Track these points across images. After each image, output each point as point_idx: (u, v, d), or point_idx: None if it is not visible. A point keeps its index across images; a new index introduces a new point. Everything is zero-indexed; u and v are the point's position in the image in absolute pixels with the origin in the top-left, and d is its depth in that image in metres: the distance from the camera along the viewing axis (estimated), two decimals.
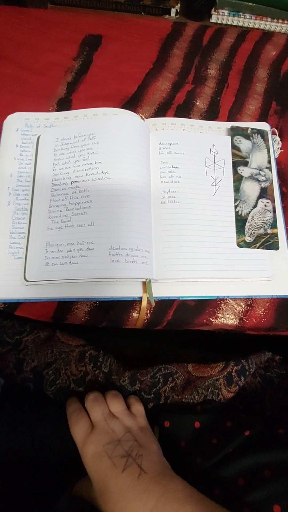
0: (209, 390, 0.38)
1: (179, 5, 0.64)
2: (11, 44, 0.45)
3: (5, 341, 0.39)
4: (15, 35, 0.46)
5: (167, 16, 0.65)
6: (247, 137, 0.40)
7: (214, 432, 0.33)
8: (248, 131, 0.40)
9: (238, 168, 0.38)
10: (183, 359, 0.41)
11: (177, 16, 0.66)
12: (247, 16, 0.64)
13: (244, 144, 0.39)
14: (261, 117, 0.43)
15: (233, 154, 0.39)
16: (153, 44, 0.47)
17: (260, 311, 0.34)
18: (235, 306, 0.34)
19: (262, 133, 0.40)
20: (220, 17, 0.66)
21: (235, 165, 0.38)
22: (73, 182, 0.33)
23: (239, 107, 0.43)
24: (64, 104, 0.41)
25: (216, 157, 0.38)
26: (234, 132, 0.40)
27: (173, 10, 0.63)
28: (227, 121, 0.42)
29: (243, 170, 0.38)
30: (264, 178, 0.38)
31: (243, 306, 0.34)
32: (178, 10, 0.64)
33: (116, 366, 0.39)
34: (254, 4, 0.60)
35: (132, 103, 0.42)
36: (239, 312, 0.34)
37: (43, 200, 0.34)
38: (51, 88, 0.42)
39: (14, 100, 0.41)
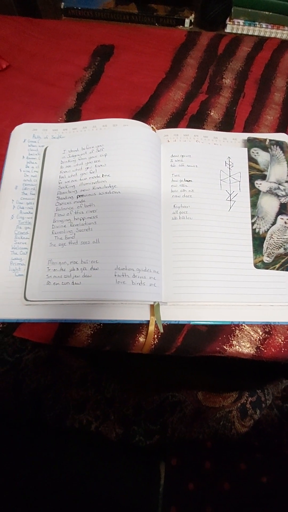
0: (221, 424, 0.35)
1: (193, 15, 0.63)
2: (23, 54, 0.45)
3: (5, 360, 0.37)
4: (27, 46, 0.46)
5: (181, 26, 0.64)
6: (265, 149, 0.37)
7: (226, 475, 0.30)
8: (266, 143, 0.38)
9: (256, 182, 0.35)
10: (192, 384, 0.38)
11: (191, 27, 0.65)
12: (263, 25, 0.62)
13: (262, 157, 0.37)
14: (280, 128, 0.41)
15: (250, 167, 0.36)
16: (167, 53, 0.46)
17: (280, 340, 0.31)
18: (252, 333, 0.31)
19: (281, 145, 0.38)
20: (235, 26, 0.65)
21: (252, 178, 0.36)
22: (79, 196, 0.32)
23: (256, 117, 0.41)
24: (73, 115, 0.40)
25: (232, 170, 0.35)
26: (251, 143, 0.37)
27: (187, 21, 0.62)
28: (243, 132, 0.40)
29: (260, 184, 0.35)
30: (283, 193, 0.35)
31: (261, 333, 0.31)
32: (192, 21, 0.63)
33: (119, 392, 0.36)
34: (270, 13, 0.59)
35: (143, 114, 0.40)
36: (256, 340, 0.31)
37: (47, 215, 0.32)
38: (61, 98, 0.41)
39: (23, 111, 0.40)
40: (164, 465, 0.31)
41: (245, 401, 0.37)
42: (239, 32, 0.67)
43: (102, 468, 0.31)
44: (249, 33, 0.67)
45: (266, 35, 0.67)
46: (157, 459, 0.32)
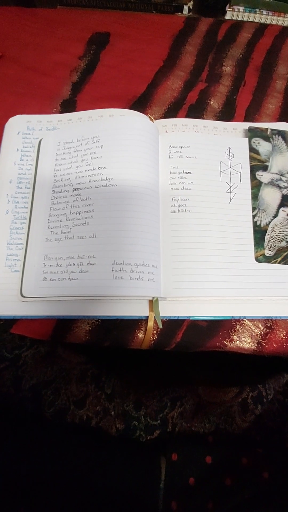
0: (222, 418, 0.35)
1: (191, 2, 0.61)
2: (17, 44, 0.43)
3: (4, 356, 0.37)
4: (21, 36, 0.44)
5: (179, 13, 0.62)
6: (267, 138, 0.36)
7: (228, 470, 0.30)
8: (268, 132, 0.36)
9: (257, 173, 0.34)
10: (192, 379, 0.38)
11: (189, 14, 0.63)
12: (264, 12, 0.61)
13: (263, 147, 0.36)
14: (282, 117, 0.39)
15: (251, 158, 0.35)
16: (164, 41, 0.44)
17: (282, 334, 0.30)
18: (253, 328, 0.30)
19: (283, 134, 0.37)
20: (235, 13, 0.63)
21: (253, 169, 0.35)
22: (75, 189, 0.31)
23: (258, 106, 0.40)
24: (68, 106, 0.39)
25: (232, 161, 0.34)
26: (252, 133, 0.36)
27: (185, 8, 0.60)
28: (244, 121, 0.39)
29: (262, 175, 0.34)
30: (286, 184, 0.34)
31: (262, 328, 0.30)
32: (191, 7, 0.61)
33: (119, 387, 0.36)
34: (271, 0, 0.57)
35: (140, 104, 0.39)
36: (257, 335, 0.30)
37: (42, 209, 0.31)
38: (56, 89, 0.40)
39: (17, 102, 0.39)
40: (165, 460, 0.31)
41: (246, 396, 0.36)
42: (239, 19, 0.65)
43: (103, 463, 0.31)
44: (250, 20, 0.65)
45: (267, 22, 0.65)
46: (158, 454, 0.32)
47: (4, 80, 0.40)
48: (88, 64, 0.42)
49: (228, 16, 0.64)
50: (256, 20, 0.63)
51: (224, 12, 0.63)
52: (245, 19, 0.63)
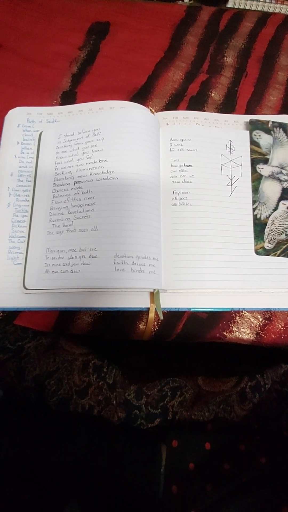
0: (221, 407, 0.36)
1: None
2: (14, 34, 0.43)
3: (7, 347, 0.37)
4: (19, 25, 0.43)
5: (180, 2, 0.61)
6: (268, 131, 0.36)
7: (226, 456, 0.31)
8: (269, 125, 0.36)
9: (257, 166, 0.34)
10: (192, 369, 0.39)
11: (191, 2, 0.62)
12: (267, 0, 0.60)
13: (264, 140, 0.36)
14: (283, 109, 0.39)
15: (252, 151, 0.35)
16: (165, 30, 0.43)
17: (280, 326, 0.31)
18: (252, 320, 0.31)
19: (284, 127, 0.36)
20: (238, 1, 0.62)
21: (254, 162, 0.35)
22: (76, 182, 0.31)
23: (259, 98, 0.40)
24: (68, 98, 0.39)
25: (233, 154, 0.34)
26: (253, 126, 0.36)
27: None
28: (246, 113, 0.38)
29: (262, 168, 0.34)
30: (286, 178, 0.34)
31: (261, 319, 0.31)
32: None
33: (121, 377, 0.37)
34: None
35: (141, 96, 0.39)
36: (256, 326, 0.31)
37: (44, 202, 0.31)
38: (55, 80, 0.40)
39: (16, 94, 0.39)
40: (165, 447, 0.32)
41: (244, 386, 0.37)
42: (242, 7, 0.64)
43: (105, 449, 0.32)
44: (252, 8, 0.64)
45: (270, 11, 0.64)
46: (159, 441, 0.33)
47: (3, 72, 0.40)
48: (88, 54, 0.41)
49: (230, 4, 0.62)
50: (259, 8, 0.62)
51: (226, 0, 0.61)
52: (247, 7, 0.62)
